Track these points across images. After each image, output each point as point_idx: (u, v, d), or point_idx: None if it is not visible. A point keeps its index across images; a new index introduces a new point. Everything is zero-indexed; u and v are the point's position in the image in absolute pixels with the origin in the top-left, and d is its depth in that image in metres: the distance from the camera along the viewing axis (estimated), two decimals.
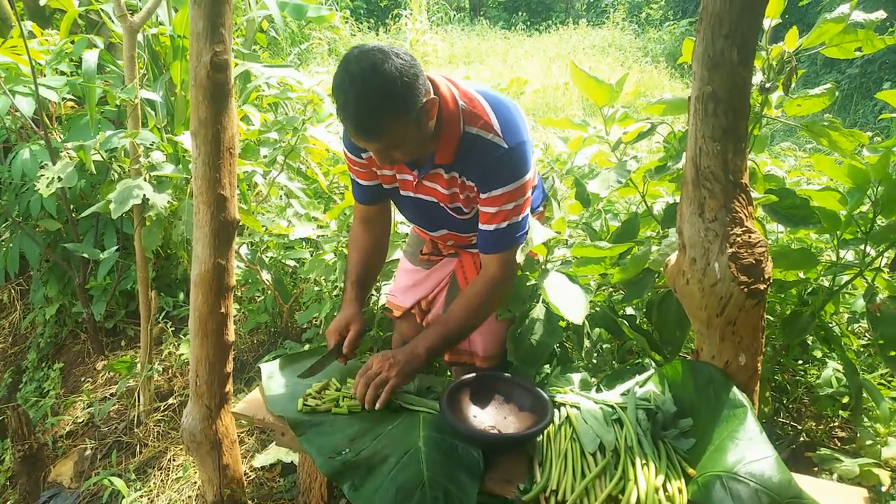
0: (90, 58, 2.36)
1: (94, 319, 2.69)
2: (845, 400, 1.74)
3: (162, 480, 2.05)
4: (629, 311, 1.87)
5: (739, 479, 1.05)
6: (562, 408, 1.34)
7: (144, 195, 1.92)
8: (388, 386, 1.35)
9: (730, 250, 1.16)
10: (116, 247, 2.56)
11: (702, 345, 1.29)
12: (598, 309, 1.71)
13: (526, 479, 1.20)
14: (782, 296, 1.68)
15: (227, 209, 1.50)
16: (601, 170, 1.72)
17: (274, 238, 2.42)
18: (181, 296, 2.81)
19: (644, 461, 1.15)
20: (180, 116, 2.61)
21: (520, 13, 13.70)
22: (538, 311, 1.55)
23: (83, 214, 2.30)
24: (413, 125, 1.24)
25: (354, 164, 1.53)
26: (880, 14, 1.31)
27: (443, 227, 1.58)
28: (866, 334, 1.98)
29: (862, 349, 1.95)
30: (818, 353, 1.82)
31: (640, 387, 1.36)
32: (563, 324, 1.59)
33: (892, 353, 1.40)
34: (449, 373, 1.92)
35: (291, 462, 1.96)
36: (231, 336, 1.60)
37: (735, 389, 1.21)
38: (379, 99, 1.18)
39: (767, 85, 1.40)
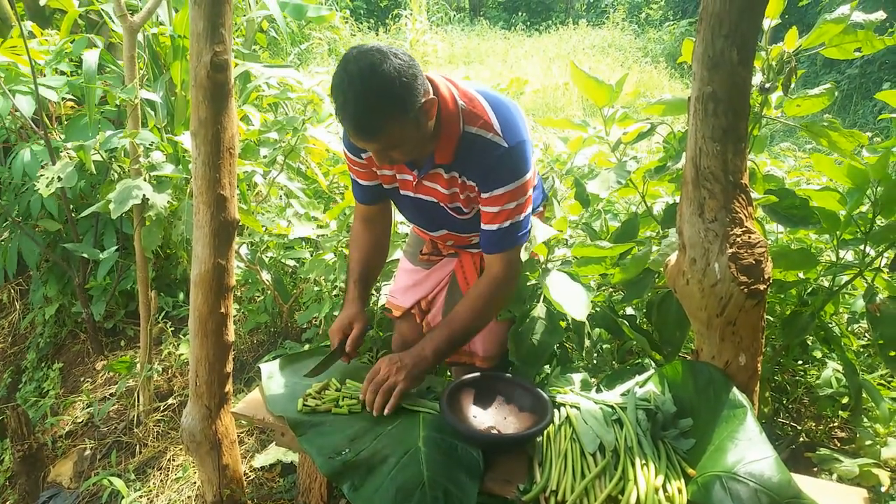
0: (90, 58, 2.36)
1: (93, 319, 2.69)
2: (845, 400, 1.74)
3: (161, 480, 2.04)
4: (629, 311, 1.88)
5: (739, 480, 1.06)
6: (562, 408, 1.34)
7: (144, 195, 1.92)
8: (396, 391, 1.35)
9: (730, 251, 1.16)
10: (116, 247, 2.56)
11: (702, 345, 1.29)
12: (598, 309, 1.71)
13: (526, 480, 1.20)
14: (782, 296, 1.68)
15: (226, 209, 1.50)
16: (601, 170, 1.72)
17: (274, 238, 2.42)
18: (181, 296, 2.81)
19: (644, 461, 1.15)
20: (180, 116, 2.61)
21: (520, 13, 13.70)
22: (539, 311, 1.55)
23: (83, 214, 2.30)
24: (412, 125, 1.24)
25: (354, 164, 1.53)
26: (880, 15, 1.31)
27: (442, 228, 1.58)
28: (866, 334, 1.98)
29: (862, 349, 1.96)
30: (818, 354, 1.82)
31: (640, 387, 1.36)
32: (563, 324, 1.59)
33: (892, 354, 1.40)
34: (449, 373, 1.92)
35: (291, 462, 1.96)
36: (231, 336, 1.60)
37: (735, 390, 1.21)
38: (377, 99, 1.18)
39: (767, 85, 1.40)
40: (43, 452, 2.30)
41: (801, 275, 1.59)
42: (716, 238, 1.17)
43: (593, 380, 1.50)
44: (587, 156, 1.89)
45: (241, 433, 2.15)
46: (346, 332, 1.51)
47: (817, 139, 1.43)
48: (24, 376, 2.79)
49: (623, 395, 1.36)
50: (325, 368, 1.51)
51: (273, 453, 2.00)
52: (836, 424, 1.88)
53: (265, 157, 2.44)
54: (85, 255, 2.52)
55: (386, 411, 1.34)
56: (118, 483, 1.95)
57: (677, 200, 1.30)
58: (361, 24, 10.49)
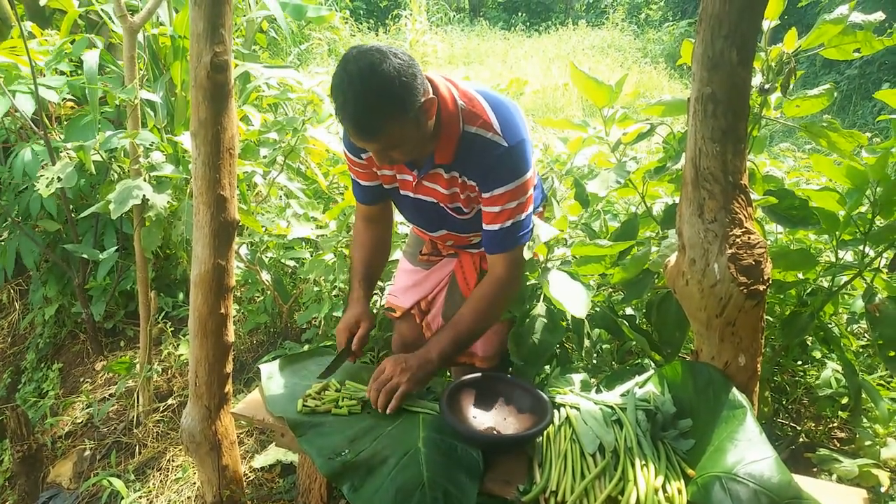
0: (91, 58, 2.36)
1: (93, 320, 2.69)
2: (844, 401, 1.74)
3: (161, 481, 2.04)
4: (629, 311, 1.88)
5: (739, 480, 1.06)
6: (561, 408, 1.34)
7: (144, 195, 1.92)
8: (398, 392, 1.35)
9: (729, 251, 1.16)
10: (116, 247, 2.56)
11: (701, 345, 1.29)
12: (597, 309, 1.72)
13: (525, 480, 1.20)
14: (781, 296, 1.68)
15: (226, 210, 1.50)
16: (601, 170, 1.72)
17: (274, 238, 2.42)
18: (181, 296, 2.81)
19: (643, 462, 1.15)
20: (180, 117, 2.61)
21: (519, 14, 13.70)
22: (539, 310, 1.55)
23: (83, 215, 2.30)
24: (411, 125, 1.24)
25: (355, 164, 1.53)
26: (879, 15, 1.31)
27: (442, 228, 1.58)
28: (865, 335, 1.98)
29: (861, 350, 1.96)
30: (817, 354, 1.82)
31: (640, 387, 1.36)
32: (563, 323, 1.59)
33: (892, 354, 1.40)
34: (448, 373, 1.92)
35: (291, 463, 1.96)
36: (230, 336, 1.60)
37: (734, 390, 1.21)
38: (377, 99, 1.18)
39: (767, 86, 1.40)
40: (42, 453, 2.30)
41: (800, 275, 1.59)
42: (715, 238, 1.18)
43: (593, 380, 1.50)
44: (587, 156, 1.89)
45: (241, 434, 2.15)
46: (353, 332, 1.52)
47: (817, 140, 1.43)
48: (23, 377, 2.79)
49: (623, 395, 1.36)
50: (335, 369, 1.51)
51: (273, 454, 2.00)
52: (835, 425, 1.88)
53: (265, 157, 2.44)
54: (85, 256, 2.52)
55: (388, 411, 1.35)
56: (118, 483, 1.95)
57: (677, 201, 1.30)
58: (361, 24, 10.49)
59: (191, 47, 1.40)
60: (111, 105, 2.69)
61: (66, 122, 2.67)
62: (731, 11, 1.09)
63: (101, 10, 2.75)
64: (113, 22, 2.68)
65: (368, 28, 10.54)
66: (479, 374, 1.47)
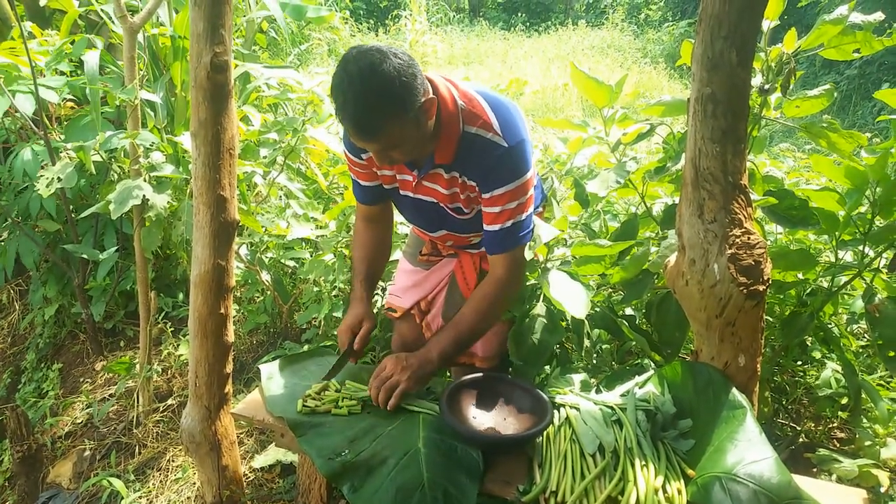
0: (92, 59, 2.36)
1: (93, 320, 2.69)
2: (844, 401, 1.74)
3: (161, 481, 2.04)
4: (629, 311, 1.88)
5: (739, 481, 1.06)
6: (561, 409, 1.34)
7: (144, 196, 1.92)
8: (398, 391, 1.36)
9: (729, 251, 1.16)
10: (116, 247, 2.56)
11: (701, 346, 1.29)
12: (597, 309, 1.72)
13: (525, 481, 1.20)
14: (781, 297, 1.69)
15: (226, 210, 1.50)
16: (600, 170, 1.72)
17: (273, 238, 2.43)
18: (180, 296, 2.81)
19: (643, 462, 1.15)
20: (180, 117, 2.61)
21: (519, 14, 13.71)
22: (539, 310, 1.55)
23: (83, 215, 2.30)
24: (412, 125, 1.24)
25: (355, 164, 1.53)
26: (878, 16, 1.31)
27: (442, 228, 1.58)
28: (865, 335, 1.98)
29: (861, 350, 1.96)
30: (817, 354, 1.82)
31: (640, 388, 1.36)
32: (563, 324, 1.59)
33: (891, 354, 1.40)
34: (448, 373, 1.92)
35: (291, 463, 1.96)
36: (230, 337, 1.60)
37: (734, 390, 1.21)
38: (377, 99, 1.18)
39: (766, 86, 1.40)
40: (42, 453, 2.30)
41: (800, 275, 1.59)
42: (715, 239, 1.18)
43: (593, 380, 1.50)
44: (587, 156, 1.89)
45: (241, 434, 2.15)
46: (356, 331, 1.52)
47: (816, 140, 1.43)
48: (23, 377, 2.79)
49: (623, 395, 1.36)
50: (339, 370, 1.51)
51: (272, 454, 2.00)
52: (835, 425, 1.88)
53: (265, 157, 2.45)
54: (85, 256, 2.52)
55: (388, 408, 1.36)
56: (117, 484, 1.94)
57: (676, 201, 1.30)
58: (361, 24, 10.50)
59: (191, 47, 1.40)
60: (111, 105, 2.69)
61: (66, 123, 2.67)
62: (730, 12, 1.09)
63: (101, 10, 2.75)
64: (113, 22, 2.68)
65: (368, 28, 10.54)
66: (479, 375, 1.47)
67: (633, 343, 1.73)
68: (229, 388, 1.63)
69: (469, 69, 8.71)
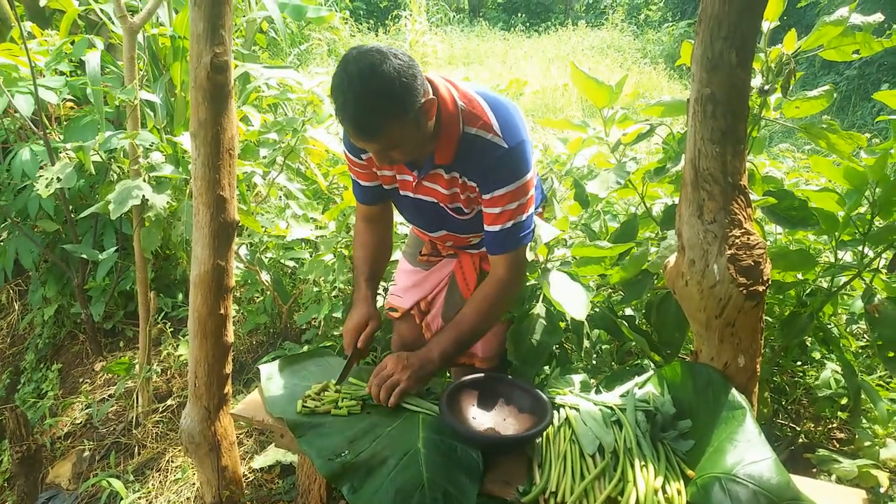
0: (94, 60, 2.36)
1: (92, 320, 2.68)
2: (844, 401, 1.74)
3: (160, 482, 2.04)
4: (628, 311, 1.88)
5: (738, 481, 1.06)
6: (561, 409, 1.34)
7: (144, 196, 1.92)
8: (398, 390, 1.36)
9: (728, 252, 1.16)
10: (115, 247, 2.56)
11: (701, 346, 1.29)
12: (597, 310, 1.72)
13: (525, 481, 1.20)
14: (781, 297, 1.69)
15: (226, 210, 1.50)
16: (600, 171, 1.72)
17: (273, 239, 2.42)
18: (180, 296, 2.81)
19: (643, 463, 1.15)
20: (180, 117, 2.61)
21: (519, 14, 13.71)
22: (538, 311, 1.55)
23: (82, 215, 2.30)
24: (411, 125, 1.24)
25: (355, 164, 1.53)
26: (878, 17, 1.31)
27: (442, 228, 1.58)
28: (865, 335, 1.98)
29: (860, 350, 1.96)
30: (817, 355, 1.82)
31: (640, 388, 1.36)
32: (562, 324, 1.59)
33: (891, 354, 1.40)
34: (448, 374, 1.92)
35: (290, 463, 1.96)
36: (230, 337, 1.60)
37: (734, 391, 1.22)
38: (377, 99, 1.18)
39: (766, 87, 1.40)
40: (41, 454, 2.29)
41: (799, 276, 1.59)
42: (715, 239, 1.18)
43: (593, 381, 1.50)
44: (586, 157, 1.89)
45: (241, 434, 2.15)
46: (362, 331, 1.52)
47: (816, 140, 1.43)
48: (22, 377, 2.78)
49: (622, 396, 1.36)
50: (349, 372, 1.52)
51: (272, 455, 2.00)
52: (834, 425, 1.88)
53: (265, 157, 2.44)
54: (84, 256, 2.52)
55: (388, 406, 1.36)
56: (117, 484, 1.94)
57: (676, 202, 1.30)
58: (361, 24, 10.50)
59: (191, 48, 1.40)
60: (111, 105, 2.69)
61: (65, 123, 2.67)
62: (730, 12, 1.09)
63: (101, 10, 2.75)
64: (113, 22, 2.68)
65: (368, 28, 10.55)
66: (479, 375, 1.47)
67: (633, 343, 1.73)
68: (229, 388, 1.63)
69: (469, 69, 8.71)
